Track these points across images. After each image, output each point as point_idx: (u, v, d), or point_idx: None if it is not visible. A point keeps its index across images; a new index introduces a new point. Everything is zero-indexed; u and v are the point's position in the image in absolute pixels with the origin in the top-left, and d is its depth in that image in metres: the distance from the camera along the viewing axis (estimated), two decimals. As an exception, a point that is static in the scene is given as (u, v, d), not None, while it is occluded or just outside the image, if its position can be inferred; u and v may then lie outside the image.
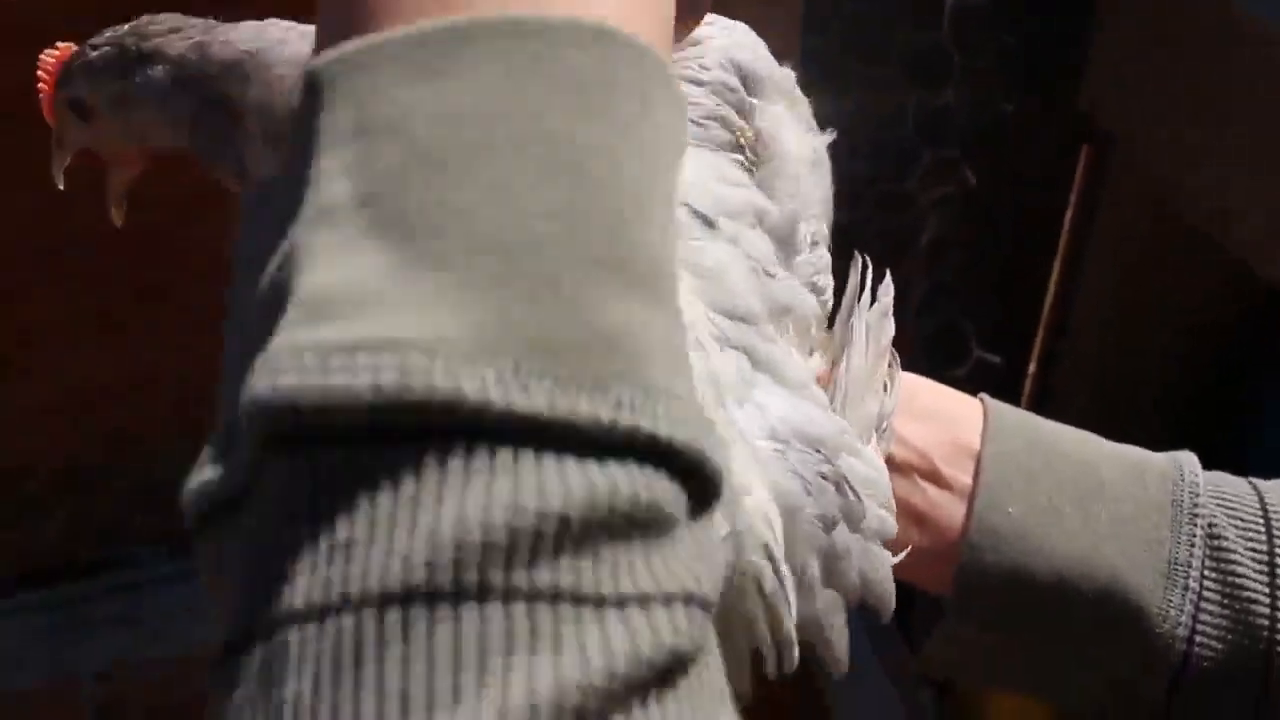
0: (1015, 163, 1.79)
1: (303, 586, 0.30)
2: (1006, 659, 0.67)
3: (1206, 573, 0.64)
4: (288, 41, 0.64)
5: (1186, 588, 0.64)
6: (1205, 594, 0.64)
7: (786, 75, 0.65)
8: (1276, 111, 1.39)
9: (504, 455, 0.30)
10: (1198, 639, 0.64)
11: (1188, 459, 0.68)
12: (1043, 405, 1.99)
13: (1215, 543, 0.65)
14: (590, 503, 0.31)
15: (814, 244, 0.64)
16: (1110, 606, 0.64)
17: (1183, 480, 0.67)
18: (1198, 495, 0.66)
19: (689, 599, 0.32)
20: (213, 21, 0.67)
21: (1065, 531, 0.64)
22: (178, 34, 0.67)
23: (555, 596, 0.30)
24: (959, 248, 1.70)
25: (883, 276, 0.66)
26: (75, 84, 0.69)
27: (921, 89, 1.56)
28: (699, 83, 0.62)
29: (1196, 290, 1.84)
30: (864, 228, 1.61)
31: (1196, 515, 0.65)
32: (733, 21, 0.66)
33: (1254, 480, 0.69)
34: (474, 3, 0.36)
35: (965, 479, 0.66)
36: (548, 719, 0.28)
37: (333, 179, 0.33)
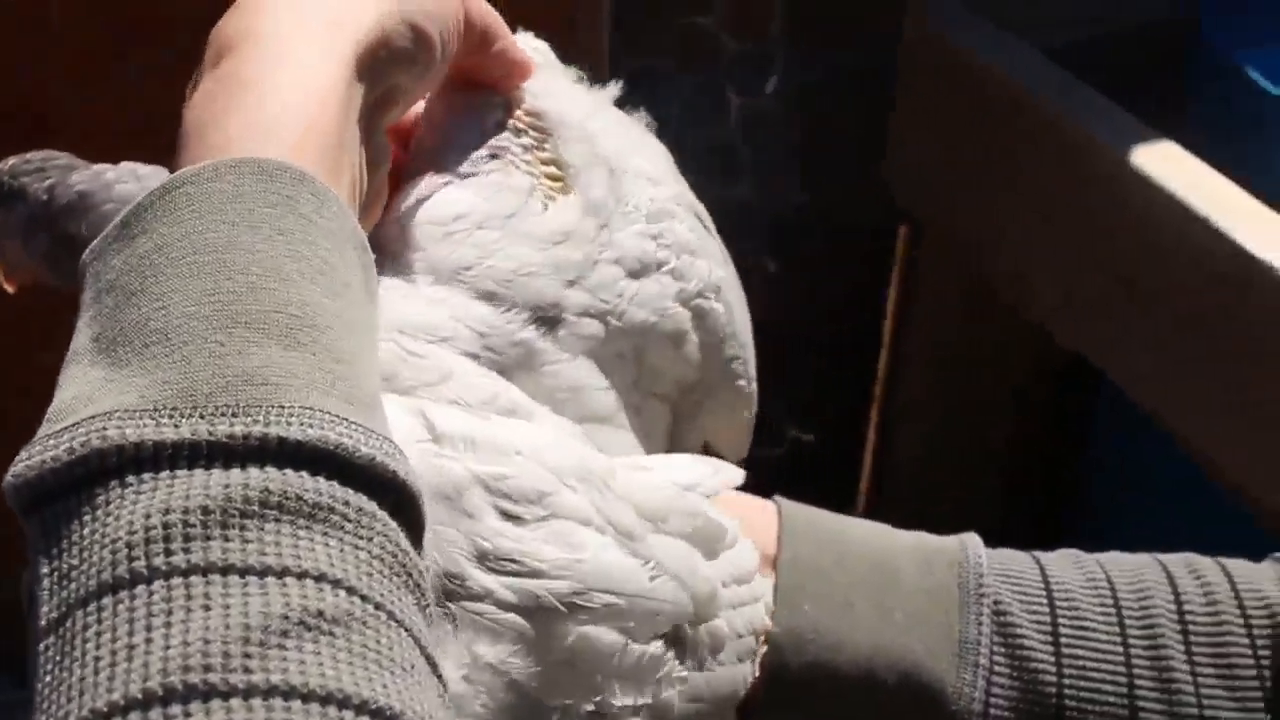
0: (827, 247, 1.85)
1: (45, 610, 0.40)
2: None
3: (995, 648, 0.68)
4: (120, 182, 0.67)
5: (977, 665, 0.67)
6: (996, 669, 0.67)
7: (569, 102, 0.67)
8: (1063, 187, 1.46)
9: (163, 474, 0.41)
10: (992, 712, 0.67)
11: (972, 541, 0.72)
12: (883, 475, 2.06)
13: (1001, 619, 0.68)
14: (225, 496, 0.40)
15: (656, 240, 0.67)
16: (911, 691, 0.67)
17: (968, 562, 0.70)
18: (982, 575, 0.69)
19: (322, 578, 0.40)
20: (74, 162, 0.70)
21: (861, 625, 0.67)
22: (40, 174, 0.70)
23: (206, 569, 0.39)
24: (767, 335, 1.74)
25: None
26: None
27: (716, 185, 1.61)
28: (491, 128, 0.64)
29: (1012, 355, 1.92)
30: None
31: (982, 595, 0.69)
32: (533, 46, 0.69)
33: (1036, 553, 0.73)
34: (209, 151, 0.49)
35: (766, 584, 0.69)
36: (206, 656, 0.37)
37: (81, 332, 0.46)
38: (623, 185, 0.67)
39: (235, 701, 0.37)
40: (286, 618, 0.39)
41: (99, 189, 0.69)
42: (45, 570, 0.41)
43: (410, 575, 0.43)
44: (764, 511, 0.71)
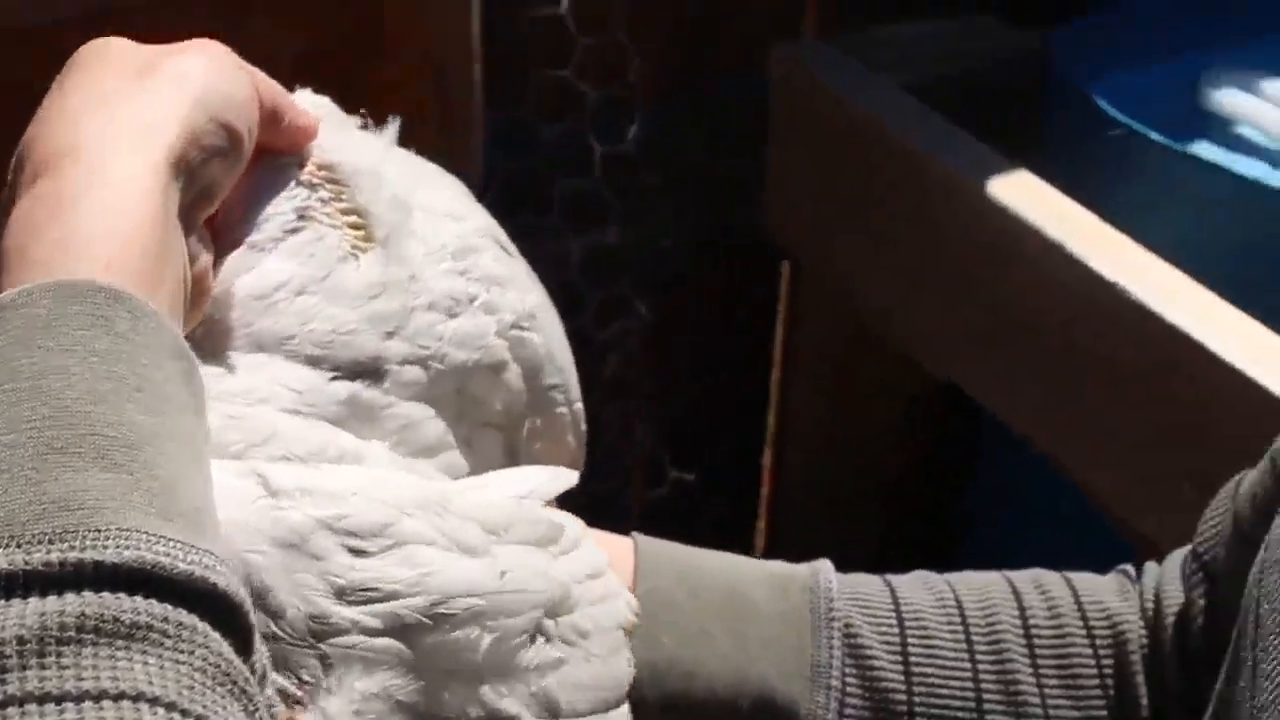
0: (703, 288, 1.89)
1: None
2: None
3: (847, 670, 0.71)
4: None
5: (829, 687, 0.70)
6: (848, 689, 0.71)
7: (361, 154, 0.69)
8: (925, 220, 1.51)
9: None
10: None
11: (824, 567, 0.75)
12: (778, 509, 2.09)
13: (852, 641, 0.72)
14: (42, 624, 0.41)
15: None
16: (766, 715, 0.70)
17: (819, 588, 0.73)
18: (833, 600, 0.73)
19: (140, 697, 0.41)
20: None
21: (717, 653, 0.70)
22: None
23: (23, 699, 0.40)
24: (648, 377, 1.78)
25: None
26: None
27: (582, 233, 1.65)
28: (290, 190, 0.65)
29: (897, 385, 1.96)
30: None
31: (833, 619, 0.72)
32: (314, 101, 0.70)
33: (888, 576, 0.76)
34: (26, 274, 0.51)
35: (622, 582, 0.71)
36: None
37: None
38: (425, 226, 0.69)
39: None
40: None
41: None
42: None
43: (235, 683, 0.45)
44: (621, 547, 0.74)
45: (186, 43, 0.61)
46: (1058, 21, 1.75)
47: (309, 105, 0.70)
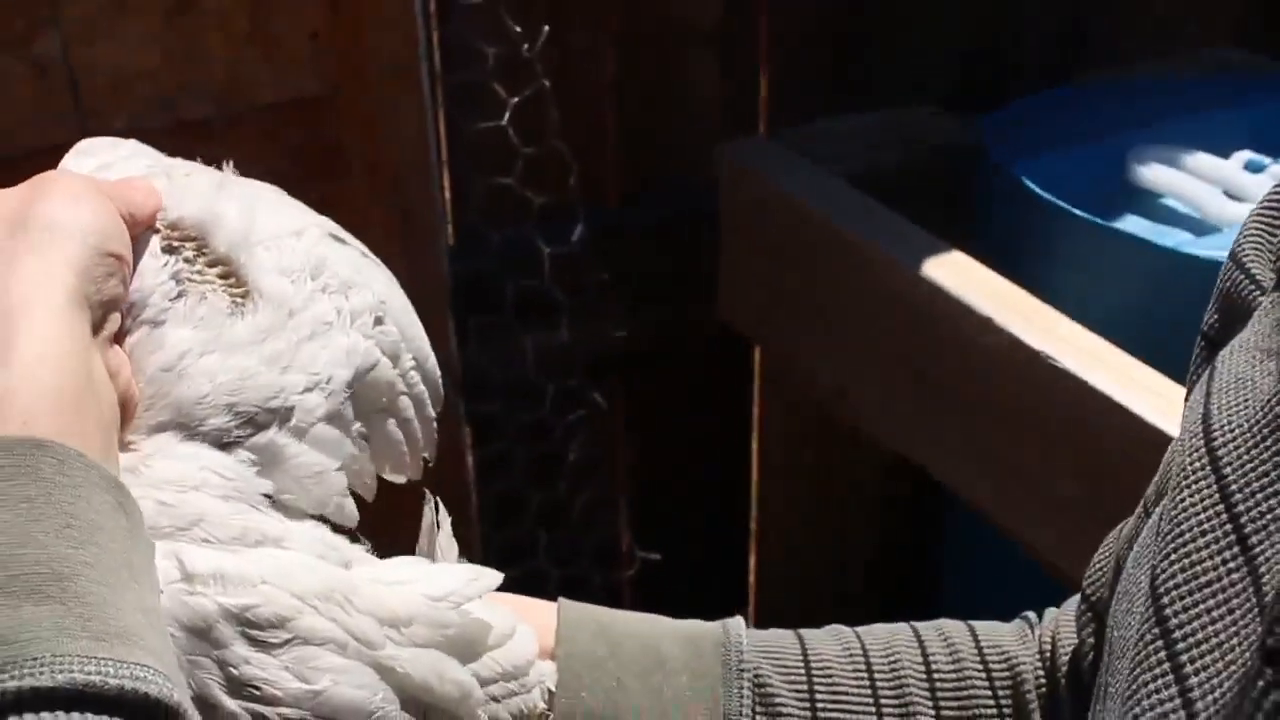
0: (668, 375, 1.96)
1: None
2: None
3: (758, 717, 0.77)
4: None
5: None
6: None
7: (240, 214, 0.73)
8: (867, 302, 1.59)
9: None
10: None
11: (735, 623, 0.81)
12: (762, 588, 2.15)
13: (762, 691, 0.77)
14: None
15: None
16: None
17: (730, 642, 0.79)
18: (743, 652, 0.78)
19: None
20: None
21: (632, 706, 0.76)
22: None
23: None
24: (608, 463, 1.85)
25: (437, 506, 0.78)
26: None
27: (535, 330, 1.73)
28: (157, 261, 0.69)
29: (865, 462, 2.03)
30: (511, 455, 1.76)
31: (743, 670, 0.78)
32: (130, 150, 0.75)
33: (801, 630, 0.82)
34: None
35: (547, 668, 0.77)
36: None
37: None
38: (278, 253, 0.74)
39: None
40: None
41: None
42: None
43: None
44: (546, 610, 0.80)
45: (41, 183, 0.66)
46: (989, 107, 1.84)
47: (124, 159, 0.74)
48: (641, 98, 1.87)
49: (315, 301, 0.74)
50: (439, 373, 0.83)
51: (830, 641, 0.81)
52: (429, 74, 1.52)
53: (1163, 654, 0.57)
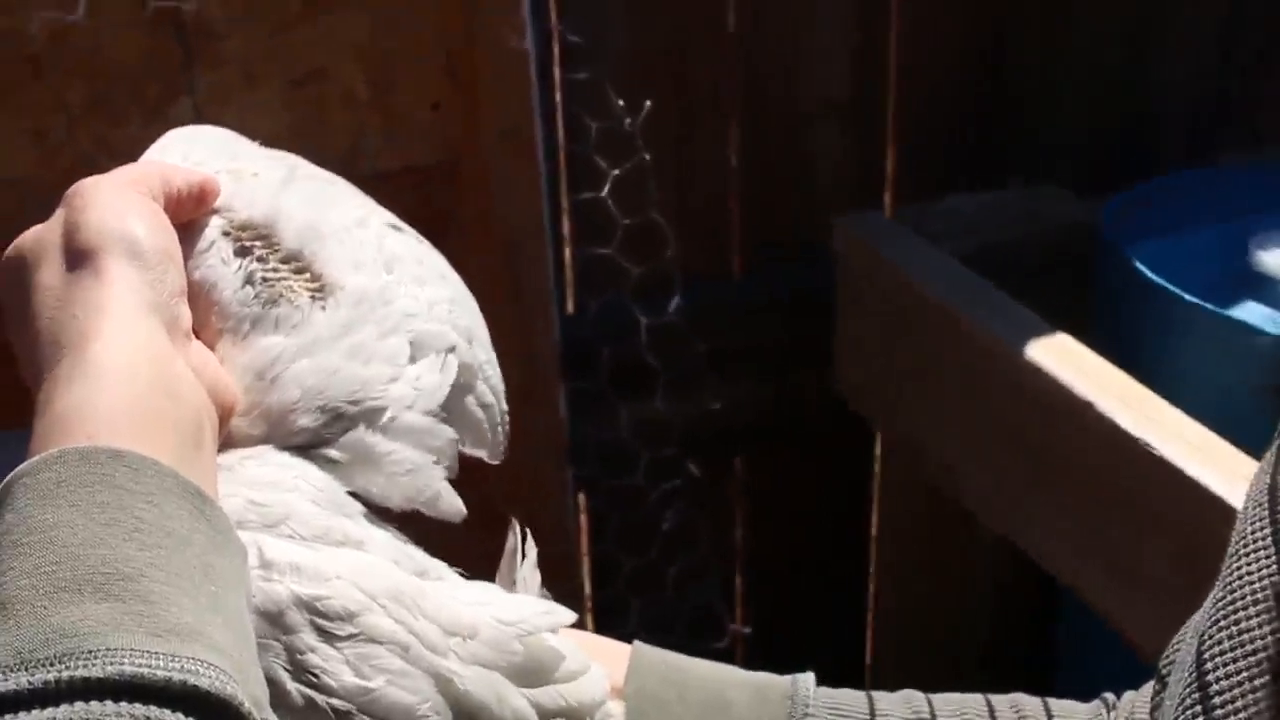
0: (783, 449, 1.96)
1: None
2: None
3: None
4: None
5: None
6: None
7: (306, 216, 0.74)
8: (978, 386, 1.58)
9: None
10: None
11: (805, 678, 0.82)
12: (878, 674, 2.14)
13: None
14: None
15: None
16: None
17: (797, 696, 0.80)
18: (809, 706, 0.79)
19: None
20: None
21: None
22: None
23: None
24: (705, 534, 1.86)
25: (524, 535, 0.80)
26: None
27: (630, 399, 1.75)
28: (231, 266, 0.72)
29: (976, 543, 2.01)
30: (605, 521, 1.79)
31: None
32: (188, 135, 0.76)
33: (872, 692, 0.82)
34: (49, 442, 0.60)
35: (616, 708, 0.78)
36: None
37: None
38: (349, 246, 0.75)
39: None
40: None
41: None
42: None
43: None
44: (619, 651, 0.81)
45: (76, 200, 0.68)
46: (1119, 187, 1.83)
47: (184, 148, 0.76)
48: (765, 171, 1.89)
49: (393, 294, 0.75)
50: (501, 384, 0.83)
51: (899, 704, 0.81)
52: (544, 144, 1.56)
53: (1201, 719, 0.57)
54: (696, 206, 1.80)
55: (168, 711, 0.52)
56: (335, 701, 0.65)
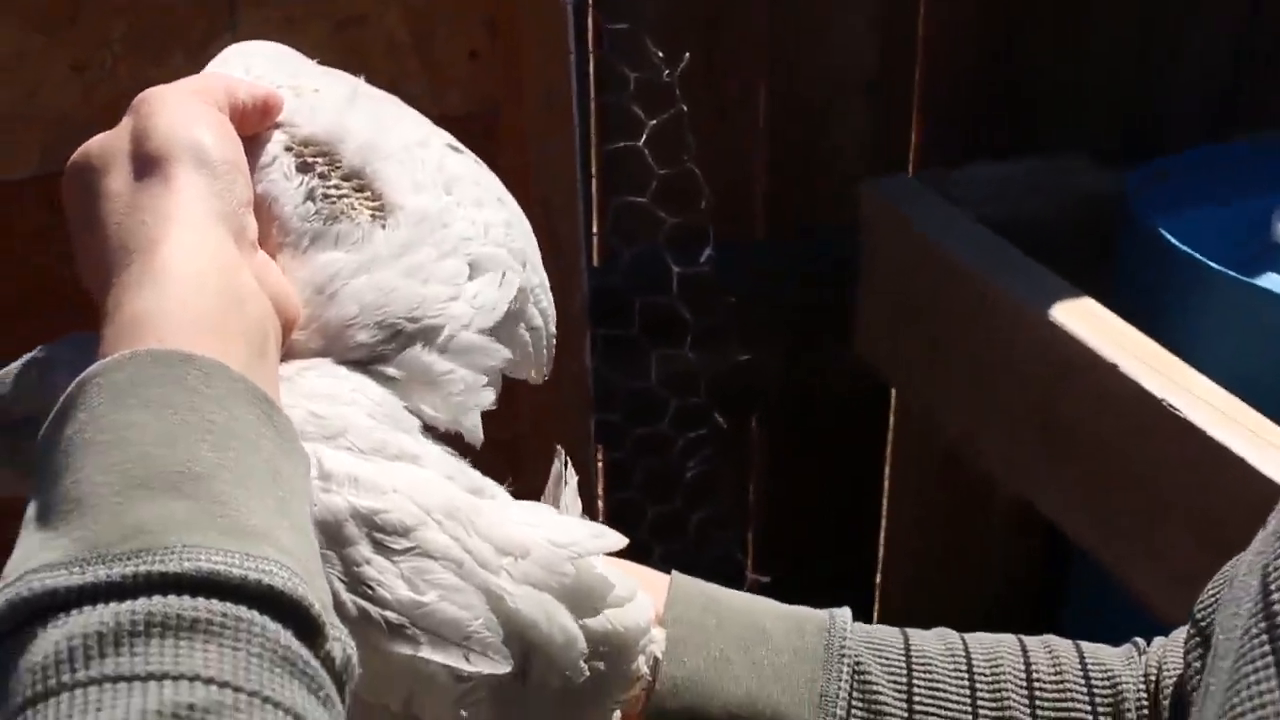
0: (810, 407, 1.98)
1: None
2: None
3: (854, 703, 0.78)
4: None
5: (834, 715, 0.77)
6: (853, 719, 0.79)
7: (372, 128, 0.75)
8: (1000, 349, 1.60)
9: (73, 612, 0.51)
10: None
11: (841, 613, 0.82)
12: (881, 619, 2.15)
13: (861, 677, 0.79)
14: (116, 622, 0.50)
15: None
16: None
17: (834, 628, 0.81)
18: (845, 640, 0.80)
19: (196, 678, 0.50)
20: None
21: (733, 676, 0.78)
22: None
23: (101, 680, 0.49)
24: (729, 484, 1.88)
25: (566, 461, 0.81)
26: None
27: (660, 348, 1.77)
28: (294, 180, 0.72)
29: (987, 506, 2.03)
30: (631, 468, 1.80)
31: (844, 655, 0.79)
32: (250, 51, 0.76)
33: (906, 629, 0.84)
34: (119, 344, 0.60)
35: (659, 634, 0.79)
36: None
37: (29, 505, 0.57)
38: (410, 166, 0.76)
39: None
40: (160, 712, 0.48)
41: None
42: None
43: (294, 665, 0.52)
44: (658, 579, 0.83)
45: (143, 108, 0.68)
46: (1141, 160, 1.84)
47: (248, 64, 0.76)
48: (791, 137, 1.90)
49: (452, 216, 0.76)
50: (552, 307, 0.83)
51: (934, 640, 0.82)
52: (578, 96, 1.57)
53: (1266, 646, 0.58)
54: (723, 168, 1.81)
55: (243, 608, 0.52)
56: (389, 614, 0.65)
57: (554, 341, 0.83)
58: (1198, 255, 1.59)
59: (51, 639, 0.50)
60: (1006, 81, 1.97)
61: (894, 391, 2.03)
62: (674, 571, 0.83)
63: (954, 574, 2.11)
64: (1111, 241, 1.81)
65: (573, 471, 0.81)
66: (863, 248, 1.83)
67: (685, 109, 1.57)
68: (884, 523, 2.14)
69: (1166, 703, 0.79)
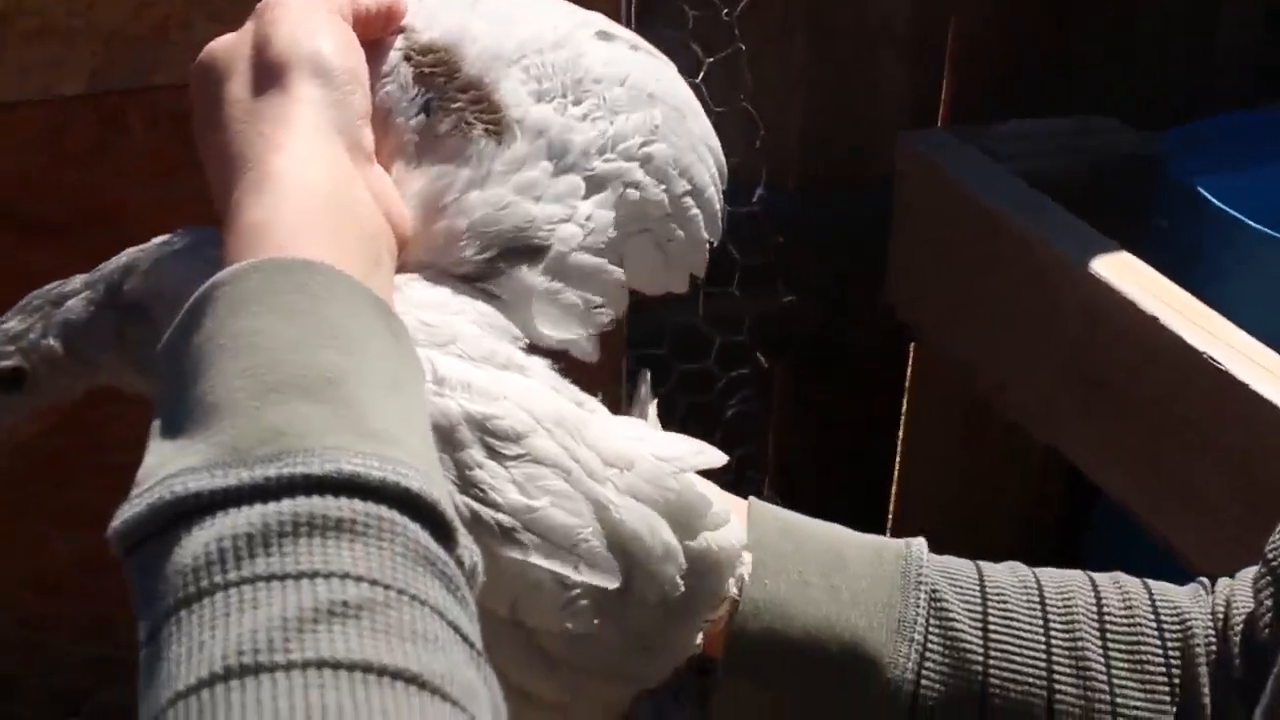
0: (827, 349, 1.99)
1: (141, 628, 0.52)
2: (776, 713, 0.80)
3: (931, 629, 0.79)
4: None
5: (912, 640, 0.79)
6: (930, 646, 0.79)
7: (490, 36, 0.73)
8: (1038, 302, 1.61)
9: (218, 514, 0.52)
10: (923, 684, 0.78)
11: (918, 543, 0.84)
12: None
13: (937, 605, 0.80)
14: (264, 523, 0.51)
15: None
16: (851, 659, 0.78)
17: (910, 557, 0.82)
18: (923, 568, 0.81)
19: (346, 575, 0.51)
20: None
21: (812, 600, 0.79)
22: (75, 283, 0.75)
23: (253, 580, 0.50)
24: (763, 422, 1.89)
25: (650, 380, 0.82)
26: None
27: (707, 284, 1.76)
28: (411, 90, 0.72)
29: (1012, 457, 2.04)
30: (673, 402, 1.81)
31: (921, 583, 0.80)
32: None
33: (978, 561, 0.85)
34: (241, 252, 0.61)
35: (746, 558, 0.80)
36: (255, 642, 0.48)
37: (156, 411, 0.58)
38: (535, 71, 0.74)
39: (279, 675, 0.47)
40: (316, 609, 0.49)
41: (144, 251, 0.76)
42: (140, 598, 0.52)
43: (434, 565, 0.53)
44: (739, 503, 0.84)
45: (266, 14, 0.69)
46: (1170, 125, 1.85)
47: None
48: (827, 89, 1.90)
49: (575, 129, 0.74)
50: (717, 198, 0.81)
51: (1006, 573, 0.83)
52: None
53: None
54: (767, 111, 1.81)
55: (384, 508, 0.53)
56: (501, 517, 0.66)
57: (706, 250, 0.81)
58: (1236, 214, 1.60)
59: (199, 541, 0.51)
60: (1044, 43, 1.97)
61: (912, 346, 2.04)
62: (751, 497, 0.84)
63: (973, 524, 2.13)
64: (1143, 204, 1.82)
65: (651, 392, 0.82)
66: (896, 199, 1.84)
67: (743, 48, 1.56)
68: (896, 474, 2.15)
69: (1237, 639, 0.80)
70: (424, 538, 0.54)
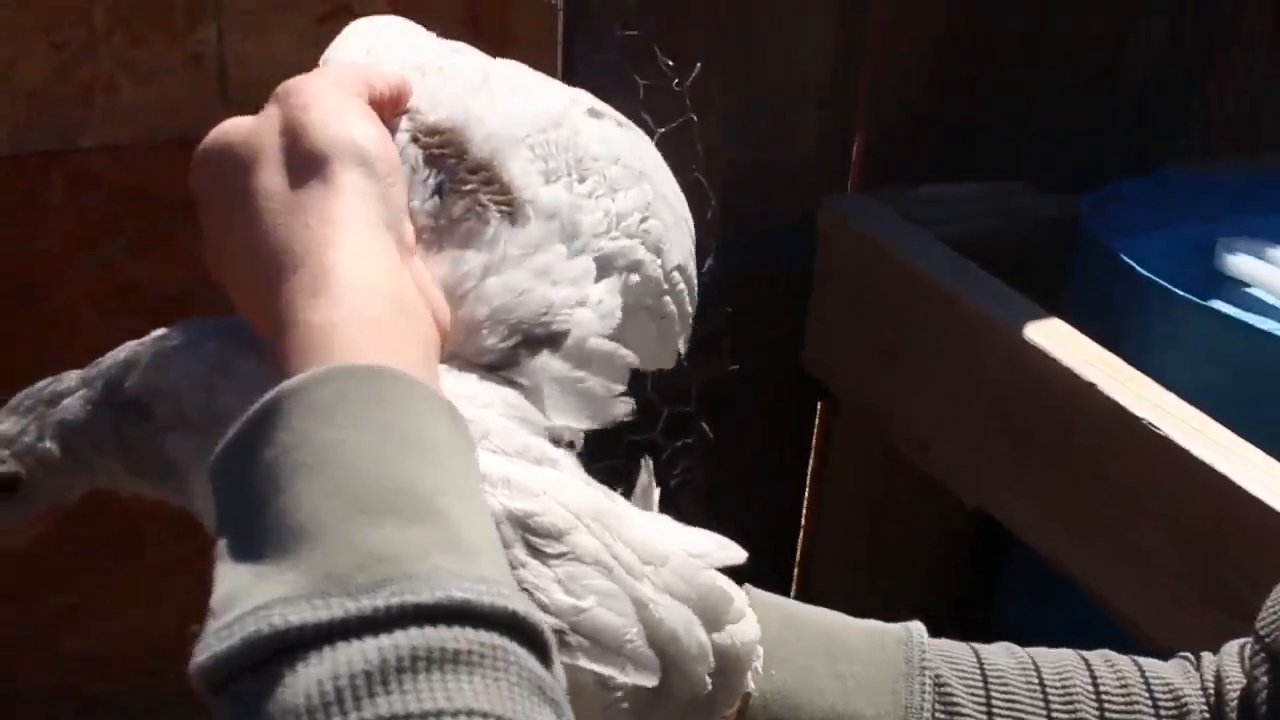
0: (751, 415, 2.00)
1: None
2: None
3: (937, 714, 0.79)
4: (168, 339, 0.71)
5: None
6: None
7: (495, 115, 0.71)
8: (962, 364, 1.63)
9: (325, 649, 0.48)
10: None
11: (916, 626, 0.83)
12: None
13: (942, 690, 0.79)
14: (380, 658, 0.48)
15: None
16: None
17: (912, 641, 0.81)
18: (925, 653, 0.80)
19: (472, 713, 0.48)
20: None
21: (818, 690, 0.78)
22: (70, 380, 0.72)
23: None
24: (703, 488, 1.88)
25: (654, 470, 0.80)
26: None
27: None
28: (422, 173, 0.69)
29: (927, 513, 2.06)
30: (622, 472, 1.78)
31: (925, 668, 0.80)
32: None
33: (974, 644, 0.85)
34: (303, 357, 0.58)
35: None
36: None
37: (221, 534, 0.55)
38: (540, 151, 0.72)
39: None
40: None
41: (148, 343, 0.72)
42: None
43: (544, 692, 0.51)
44: (738, 593, 0.83)
45: (294, 102, 0.66)
46: (1082, 190, 1.89)
47: (369, 41, 0.73)
48: (740, 151, 1.89)
49: (583, 208, 0.73)
50: (695, 272, 0.81)
51: (1003, 655, 0.83)
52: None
53: None
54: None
55: (495, 635, 0.51)
56: (550, 619, 0.62)
57: (690, 324, 0.81)
58: (1153, 276, 1.64)
59: (310, 678, 0.48)
60: (946, 105, 2.01)
61: (819, 406, 2.06)
62: (748, 585, 0.84)
63: (883, 585, 2.14)
64: (1059, 266, 1.86)
65: (653, 479, 0.79)
66: (818, 261, 1.86)
67: (694, 118, 1.56)
68: (801, 533, 2.16)
69: (1233, 715, 0.81)
70: (532, 663, 0.52)
